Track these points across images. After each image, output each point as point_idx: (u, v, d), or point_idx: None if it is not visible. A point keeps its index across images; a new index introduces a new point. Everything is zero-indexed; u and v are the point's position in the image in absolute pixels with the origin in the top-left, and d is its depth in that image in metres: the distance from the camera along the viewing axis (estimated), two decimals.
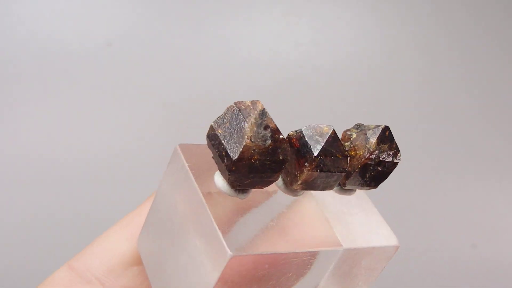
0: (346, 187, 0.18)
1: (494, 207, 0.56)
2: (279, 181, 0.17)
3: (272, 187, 0.17)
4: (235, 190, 0.16)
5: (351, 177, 0.17)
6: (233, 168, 0.15)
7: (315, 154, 0.16)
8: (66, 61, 0.48)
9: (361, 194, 0.20)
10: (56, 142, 0.48)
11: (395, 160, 0.18)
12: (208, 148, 0.16)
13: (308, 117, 0.51)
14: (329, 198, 0.19)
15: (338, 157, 0.16)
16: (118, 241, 0.20)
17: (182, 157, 0.17)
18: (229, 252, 0.15)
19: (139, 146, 0.49)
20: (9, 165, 0.47)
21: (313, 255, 0.17)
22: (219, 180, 0.16)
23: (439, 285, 0.53)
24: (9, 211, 0.47)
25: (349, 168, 0.17)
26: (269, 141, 0.15)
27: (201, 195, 0.16)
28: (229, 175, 0.15)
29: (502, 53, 0.57)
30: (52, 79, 0.48)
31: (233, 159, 0.15)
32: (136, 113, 0.49)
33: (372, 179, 0.17)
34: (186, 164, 0.17)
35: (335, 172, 0.16)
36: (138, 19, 0.50)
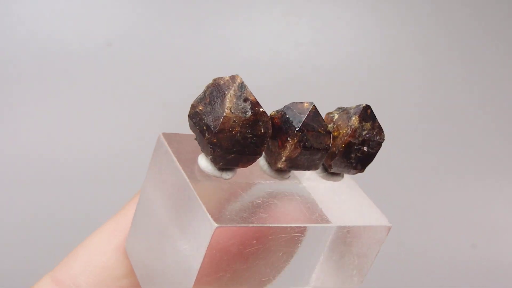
0: (332, 170, 0.18)
1: (494, 207, 0.56)
2: (264, 164, 0.17)
3: (258, 174, 0.17)
4: (219, 169, 0.16)
5: (336, 158, 0.17)
6: (214, 140, 0.15)
7: (297, 128, 0.16)
8: (66, 61, 0.48)
9: (348, 181, 0.19)
10: (56, 142, 0.48)
11: (378, 139, 0.17)
12: (192, 132, 0.16)
13: None
14: (316, 183, 0.18)
15: (320, 132, 0.16)
16: (106, 251, 0.19)
17: (166, 143, 0.17)
18: (214, 224, 0.14)
19: (139, 146, 0.49)
20: (9, 165, 0.47)
21: (302, 231, 0.16)
22: (202, 161, 0.16)
23: (439, 285, 0.53)
24: (8, 211, 0.47)
25: (333, 149, 0.17)
26: (249, 113, 0.15)
27: (184, 175, 0.16)
28: (211, 148, 0.15)
29: (503, 53, 0.57)
30: (52, 79, 0.48)
31: (214, 131, 0.15)
32: (136, 113, 0.49)
33: (358, 161, 0.17)
34: (170, 150, 0.17)
35: (318, 147, 0.16)
36: (138, 19, 0.50)
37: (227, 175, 0.16)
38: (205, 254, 0.15)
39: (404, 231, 0.53)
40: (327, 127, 0.16)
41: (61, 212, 0.47)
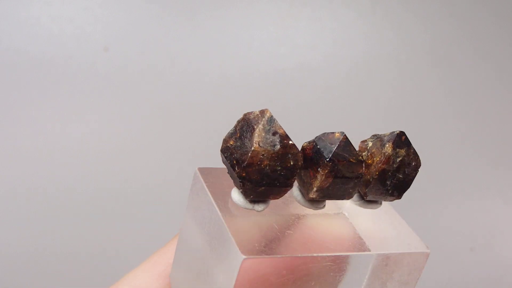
0: (368, 198, 0.17)
1: (492, 210, 0.56)
2: (298, 194, 0.17)
3: (292, 205, 0.17)
4: (251, 202, 0.16)
5: (371, 186, 0.17)
6: (243, 174, 0.15)
7: (327, 158, 0.16)
8: (63, 66, 0.48)
9: (387, 207, 0.19)
10: (52, 146, 0.48)
11: (414, 165, 0.17)
12: (225, 166, 0.16)
13: (307, 120, 0.51)
14: (354, 211, 0.19)
15: (351, 161, 0.16)
16: (148, 281, 0.20)
17: (201, 178, 0.17)
18: (241, 256, 0.15)
19: (136, 148, 0.49)
20: (6, 170, 0.47)
21: (334, 260, 0.16)
22: (235, 194, 0.16)
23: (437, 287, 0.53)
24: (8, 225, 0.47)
25: (368, 176, 0.17)
26: (278, 146, 0.15)
27: (217, 208, 0.16)
28: (240, 182, 0.15)
29: (503, 55, 0.57)
30: (49, 84, 0.48)
31: (243, 165, 0.15)
32: (132, 117, 0.49)
33: (394, 188, 0.17)
34: (205, 185, 0.17)
35: (350, 176, 0.16)
36: (135, 24, 0.50)
37: (259, 207, 0.17)
38: (235, 285, 0.15)
39: None
40: (359, 156, 0.16)
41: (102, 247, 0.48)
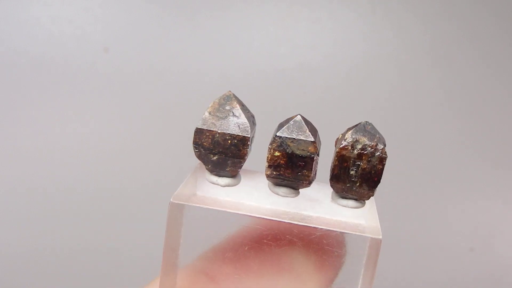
0: (336, 190, 0.17)
1: (492, 210, 0.56)
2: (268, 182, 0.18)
3: (259, 193, 0.18)
4: (216, 175, 0.17)
5: (334, 173, 0.17)
6: (197, 139, 0.17)
7: (277, 135, 0.17)
8: (63, 67, 0.48)
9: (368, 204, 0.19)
10: (52, 146, 0.48)
11: (380, 155, 0.17)
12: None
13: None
14: (322, 203, 0.19)
15: (301, 139, 0.16)
16: None
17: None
18: (171, 200, 0.17)
19: (138, 149, 0.49)
20: (6, 170, 0.47)
21: (266, 225, 0.17)
22: (206, 173, 0.18)
23: None
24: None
25: (333, 166, 0.17)
26: (230, 118, 0.17)
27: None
28: (195, 148, 0.17)
29: (502, 56, 0.57)
30: (48, 85, 0.48)
31: (195, 130, 0.17)
32: (133, 117, 0.49)
33: (362, 179, 0.17)
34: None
35: (300, 154, 0.16)
36: (135, 24, 0.50)
37: (222, 181, 0.18)
38: (166, 228, 0.17)
39: (402, 234, 0.53)
40: (310, 136, 0.17)
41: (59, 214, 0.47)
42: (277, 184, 0.17)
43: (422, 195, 0.54)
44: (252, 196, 0.18)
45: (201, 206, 0.17)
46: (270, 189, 0.18)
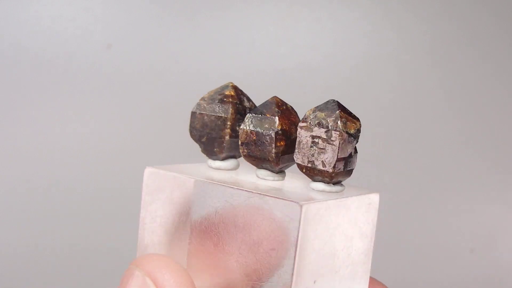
0: (297, 161, 0.17)
1: (492, 211, 0.56)
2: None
3: (248, 178, 0.18)
4: (208, 157, 0.19)
5: (296, 151, 0.17)
6: (191, 120, 0.18)
7: (247, 113, 0.17)
8: (65, 63, 0.48)
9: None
10: (52, 146, 0.48)
11: (337, 133, 0.16)
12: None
13: None
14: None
15: (266, 115, 0.17)
16: None
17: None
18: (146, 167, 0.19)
19: (138, 148, 0.49)
20: (6, 170, 0.47)
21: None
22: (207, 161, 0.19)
23: None
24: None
25: (298, 147, 0.17)
26: (216, 101, 0.18)
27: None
28: (190, 131, 0.18)
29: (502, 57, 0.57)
30: (51, 81, 0.48)
31: (191, 115, 0.18)
32: (133, 117, 0.49)
33: (320, 155, 0.16)
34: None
35: (262, 131, 0.17)
36: (135, 24, 0.50)
37: (213, 163, 0.19)
38: (142, 193, 0.19)
39: (403, 234, 0.53)
40: (278, 113, 0.17)
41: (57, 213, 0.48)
42: (257, 166, 0.18)
43: (422, 196, 0.54)
44: (234, 177, 0.18)
45: (161, 170, 0.18)
46: (255, 173, 0.18)
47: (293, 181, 0.18)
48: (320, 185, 0.17)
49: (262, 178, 0.18)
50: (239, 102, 0.18)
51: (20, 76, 0.47)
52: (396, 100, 0.55)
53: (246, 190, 0.16)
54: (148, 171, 0.19)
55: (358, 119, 0.17)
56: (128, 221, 0.49)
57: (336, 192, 0.17)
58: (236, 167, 0.19)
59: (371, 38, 0.54)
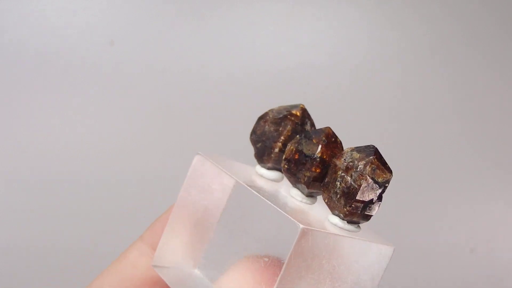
0: (311, 189, 0.18)
1: (492, 211, 0.56)
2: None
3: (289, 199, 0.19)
4: (258, 161, 0.20)
5: (325, 182, 0.17)
6: (254, 126, 0.19)
7: (300, 135, 0.18)
8: (68, 59, 0.48)
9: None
10: (55, 140, 0.48)
11: (359, 168, 0.17)
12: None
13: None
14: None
15: (313, 141, 0.18)
16: (134, 264, 0.21)
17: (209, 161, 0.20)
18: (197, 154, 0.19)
19: (139, 146, 0.49)
20: (5, 164, 0.47)
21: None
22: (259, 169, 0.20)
23: None
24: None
25: (328, 179, 0.18)
26: (282, 115, 0.19)
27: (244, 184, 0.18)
28: (251, 133, 0.20)
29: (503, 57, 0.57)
30: (53, 77, 0.48)
31: (257, 119, 0.19)
32: (137, 112, 0.49)
33: (343, 194, 0.17)
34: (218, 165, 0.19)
35: (306, 152, 0.18)
36: (138, 21, 0.50)
37: (259, 169, 0.20)
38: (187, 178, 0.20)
39: (403, 235, 0.53)
40: (322, 141, 0.18)
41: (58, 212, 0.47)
42: (292, 184, 0.19)
43: (423, 196, 0.54)
44: (272, 187, 0.19)
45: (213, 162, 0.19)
46: (290, 191, 0.19)
47: (319, 208, 0.19)
48: (335, 219, 0.17)
49: (292, 197, 0.18)
50: (300, 123, 0.19)
51: (21, 71, 0.47)
52: (397, 99, 0.55)
53: (266, 201, 0.17)
54: (198, 158, 0.19)
55: (391, 172, 0.17)
56: (128, 220, 0.49)
57: (348, 230, 0.17)
58: (279, 180, 0.20)
59: (373, 37, 0.54)
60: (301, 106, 0.20)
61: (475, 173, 0.56)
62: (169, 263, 0.20)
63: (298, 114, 0.19)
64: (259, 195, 0.17)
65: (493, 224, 0.56)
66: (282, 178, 0.20)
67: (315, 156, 0.17)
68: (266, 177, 0.19)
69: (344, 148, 0.18)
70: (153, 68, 0.50)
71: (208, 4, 0.51)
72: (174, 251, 0.20)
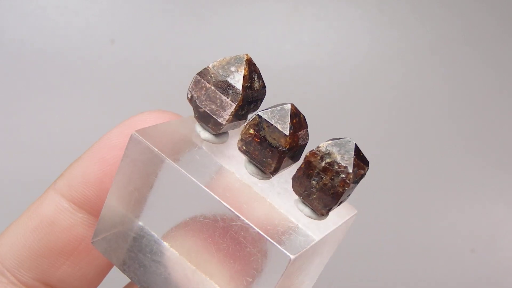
0: (293, 187, 0.16)
1: (492, 211, 0.56)
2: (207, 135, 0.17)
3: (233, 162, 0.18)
4: (199, 127, 0.17)
5: (296, 174, 0.16)
6: (193, 85, 0.17)
7: (259, 114, 0.16)
8: (69, 58, 0.48)
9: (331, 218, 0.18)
10: (55, 140, 0.48)
11: (341, 175, 0.15)
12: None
13: (310, 118, 0.51)
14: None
15: (278, 128, 0.16)
16: (26, 231, 0.19)
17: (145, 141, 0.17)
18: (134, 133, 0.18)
19: None
20: (5, 164, 0.47)
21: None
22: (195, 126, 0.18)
23: None
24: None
25: (299, 167, 0.16)
26: (226, 78, 0.16)
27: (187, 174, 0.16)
28: (189, 95, 0.17)
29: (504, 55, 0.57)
30: (54, 76, 0.48)
31: (195, 79, 0.16)
32: (138, 110, 0.49)
33: (319, 192, 0.16)
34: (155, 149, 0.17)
35: (270, 142, 0.16)
36: (140, 19, 0.50)
37: (203, 134, 0.17)
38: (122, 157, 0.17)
39: (403, 234, 0.53)
40: (290, 130, 0.16)
41: None
42: (249, 161, 0.17)
43: (424, 196, 0.54)
44: (226, 160, 0.17)
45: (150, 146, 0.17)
46: (244, 163, 0.17)
47: (281, 185, 0.18)
48: (308, 211, 0.16)
49: (250, 174, 0.17)
50: (249, 86, 0.16)
51: (21, 71, 0.47)
52: (398, 99, 0.55)
53: (227, 207, 0.15)
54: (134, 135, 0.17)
55: (367, 164, 0.16)
56: None
57: (321, 220, 0.17)
58: (225, 141, 0.18)
59: (375, 37, 0.54)
60: (246, 57, 0.16)
61: (476, 173, 0.56)
62: (107, 230, 0.19)
63: (245, 72, 0.16)
64: (228, 206, 0.15)
65: (494, 224, 0.56)
66: (228, 137, 0.18)
67: (284, 148, 0.16)
68: (213, 142, 0.17)
69: (307, 124, 0.17)
70: (153, 67, 0.50)
71: (208, 4, 0.51)
72: (113, 215, 0.18)
